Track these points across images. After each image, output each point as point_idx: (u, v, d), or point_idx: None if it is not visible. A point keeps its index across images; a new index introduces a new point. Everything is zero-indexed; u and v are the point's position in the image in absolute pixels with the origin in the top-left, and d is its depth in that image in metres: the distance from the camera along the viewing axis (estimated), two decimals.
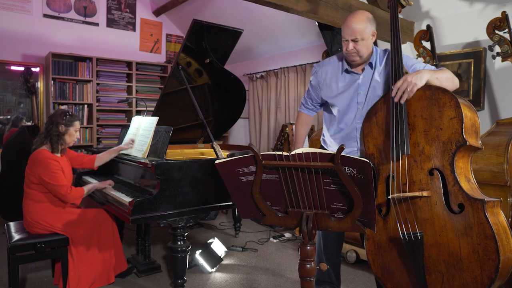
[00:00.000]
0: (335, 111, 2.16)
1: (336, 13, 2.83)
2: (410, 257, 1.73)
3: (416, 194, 1.74)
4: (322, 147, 2.31)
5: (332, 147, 2.21)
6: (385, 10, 3.21)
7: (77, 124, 2.68)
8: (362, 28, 1.94)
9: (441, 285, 1.71)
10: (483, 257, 1.61)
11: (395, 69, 1.90)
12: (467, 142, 1.68)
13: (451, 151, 1.72)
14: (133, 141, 2.89)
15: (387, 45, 3.46)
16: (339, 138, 2.17)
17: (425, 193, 1.74)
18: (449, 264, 1.69)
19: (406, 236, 1.72)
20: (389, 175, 1.87)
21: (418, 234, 1.70)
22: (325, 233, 2.27)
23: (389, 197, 1.81)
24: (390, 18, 2.03)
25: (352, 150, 2.13)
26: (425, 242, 1.73)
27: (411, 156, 1.80)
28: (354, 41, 1.95)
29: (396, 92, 1.79)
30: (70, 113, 2.67)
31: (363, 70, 2.07)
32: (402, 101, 1.79)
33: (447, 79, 1.86)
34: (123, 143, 2.97)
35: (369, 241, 1.92)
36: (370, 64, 2.06)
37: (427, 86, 1.81)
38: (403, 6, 2.13)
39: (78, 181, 3.20)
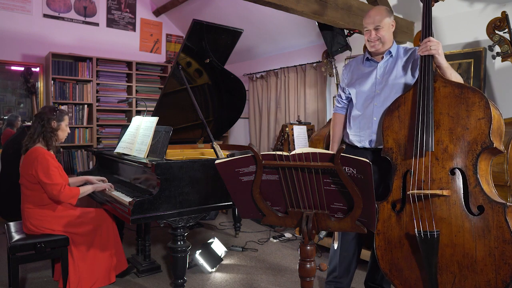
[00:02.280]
0: (353, 95, 2.27)
1: (336, 13, 2.83)
2: (423, 256, 1.71)
3: (437, 192, 1.71)
4: (343, 139, 2.41)
5: (351, 130, 2.28)
6: None
7: (67, 118, 2.71)
8: (382, 17, 2.12)
9: (452, 285, 1.69)
10: (499, 261, 1.58)
11: (424, 65, 1.86)
12: (493, 144, 1.66)
13: (476, 152, 1.69)
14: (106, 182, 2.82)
15: None
16: (357, 120, 2.25)
17: (445, 192, 1.71)
18: (463, 265, 1.67)
19: (422, 234, 1.70)
20: (407, 170, 1.84)
21: (435, 233, 1.68)
22: (342, 236, 2.29)
23: (408, 192, 1.78)
24: (422, 13, 2.00)
25: (369, 131, 2.17)
26: (440, 241, 1.70)
27: (434, 154, 1.77)
28: (376, 29, 2.11)
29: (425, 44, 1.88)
30: (58, 108, 2.70)
31: (382, 58, 2.20)
32: (421, 53, 1.87)
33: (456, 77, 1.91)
34: (96, 178, 2.86)
35: (379, 236, 1.90)
36: (389, 53, 2.17)
37: (457, 84, 1.78)
38: (436, 0, 2.08)
39: None
